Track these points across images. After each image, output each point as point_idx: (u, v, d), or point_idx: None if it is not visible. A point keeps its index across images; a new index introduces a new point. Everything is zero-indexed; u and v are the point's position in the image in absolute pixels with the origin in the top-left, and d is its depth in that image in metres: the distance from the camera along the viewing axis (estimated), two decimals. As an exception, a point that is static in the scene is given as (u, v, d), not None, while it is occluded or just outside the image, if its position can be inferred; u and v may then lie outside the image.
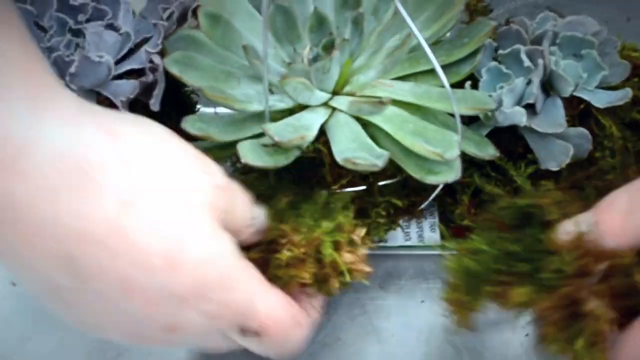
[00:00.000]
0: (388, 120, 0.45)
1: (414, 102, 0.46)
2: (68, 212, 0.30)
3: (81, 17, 0.49)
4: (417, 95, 0.46)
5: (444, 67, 0.48)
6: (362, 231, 0.42)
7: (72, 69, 0.45)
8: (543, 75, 0.44)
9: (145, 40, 0.51)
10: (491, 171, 0.47)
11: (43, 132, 0.29)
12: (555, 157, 0.43)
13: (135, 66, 0.49)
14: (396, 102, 0.47)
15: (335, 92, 0.47)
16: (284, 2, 0.48)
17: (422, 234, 0.52)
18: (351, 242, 0.41)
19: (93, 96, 0.49)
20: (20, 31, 0.31)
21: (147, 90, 0.46)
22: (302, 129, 0.43)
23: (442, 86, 0.42)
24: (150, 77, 0.45)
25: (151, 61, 0.46)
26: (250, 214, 0.38)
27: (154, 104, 0.45)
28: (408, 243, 0.52)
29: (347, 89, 0.47)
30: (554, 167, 0.43)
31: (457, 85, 0.48)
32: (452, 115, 0.44)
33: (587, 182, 0.45)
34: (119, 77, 0.49)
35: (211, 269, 0.33)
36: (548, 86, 0.45)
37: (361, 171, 0.43)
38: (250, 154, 0.42)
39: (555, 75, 0.44)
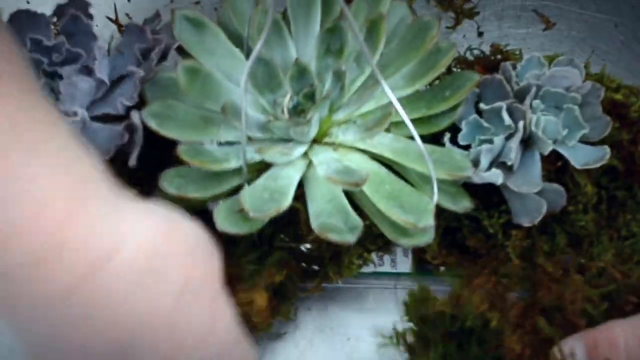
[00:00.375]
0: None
1: (392, 159, 0.46)
2: (135, 308, 0.32)
3: (56, 57, 0.48)
4: (395, 151, 0.46)
5: (423, 118, 0.48)
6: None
7: None
8: (523, 135, 0.44)
9: (121, 78, 0.50)
10: (464, 219, 0.47)
11: (115, 237, 0.32)
12: (529, 213, 0.44)
13: (110, 111, 0.48)
14: (374, 155, 0.47)
15: (314, 141, 0.47)
16: (267, 51, 0.47)
17: (395, 259, 0.53)
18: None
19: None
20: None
21: (125, 145, 0.46)
22: (277, 195, 0.43)
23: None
24: (126, 137, 0.45)
25: (127, 116, 0.45)
26: None
27: (132, 162, 0.45)
28: (380, 269, 0.53)
29: (326, 139, 0.47)
30: (527, 223, 0.44)
31: (437, 134, 0.48)
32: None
33: (558, 228, 0.46)
34: (93, 118, 0.48)
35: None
36: (527, 142, 0.45)
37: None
38: (226, 222, 0.42)
39: (535, 136, 0.44)
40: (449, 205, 0.45)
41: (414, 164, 0.45)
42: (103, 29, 0.61)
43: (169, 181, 0.44)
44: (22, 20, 0.50)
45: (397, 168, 0.47)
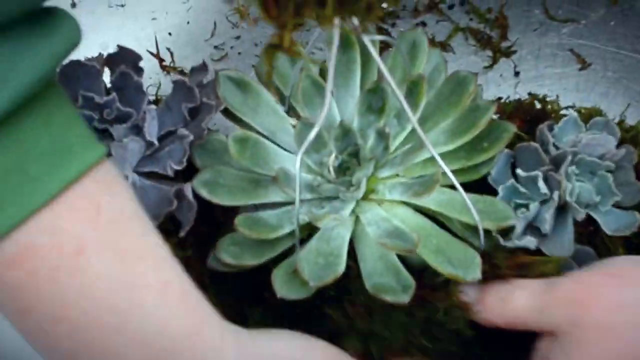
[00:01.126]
0: (413, 232, 0.48)
1: (438, 211, 0.49)
2: None
3: (107, 114, 0.50)
4: (441, 203, 0.49)
5: (463, 168, 0.50)
6: None
7: None
8: (557, 203, 0.46)
9: (168, 134, 0.52)
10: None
11: None
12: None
13: (158, 171, 0.50)
14: (418, 208, 0.49)
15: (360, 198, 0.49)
16: (310, 112, 0.49)
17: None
18: None
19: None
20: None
21: (174, 211, 0.48)
22: (332, 258, 0.46)
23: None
24: (175, 204, 0.47)
25: (175, 178, 0.48)
26: None
27: (182, 233, 0.48)
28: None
29: (372, 196, 0.50)
30: (559, 285, 0.47)
31: (474, 184, 0.50)
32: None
33: None
34: (141, 174, 0.50)
35: None
36: (561, 208, 0.48)
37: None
38: (285, 289, 0.45)
39: (569, 203, 0.46)
40: (491, 249, 0.48)
41: (460, 215, 0.48)
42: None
43: (225, 250, 0.46)
44: (74, 72, 0.51)
45: (442, 218, 0.50)
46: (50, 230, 0.32)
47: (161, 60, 0.63)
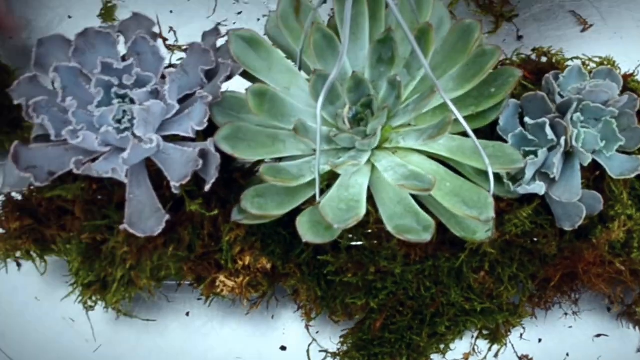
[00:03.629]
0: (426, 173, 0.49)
1: (449, 157, 0.51)
2: None
3: (126, 79, 0.50)
4: (451, 150, 0.50)
5: (473, 115, 0.52)
6: None
7: (125, 155, 0.47)
8: (564, 148, 0.48)
9: (187, 97, 0.52)
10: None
11: None
12: (570, 218, 0.49)
13: (180, 133, 0.50)
14: (431, 155, 0.51)
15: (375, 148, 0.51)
16: (322, 66, 0.50)
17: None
18: None
19: (142, 165, 0.51)
20: None
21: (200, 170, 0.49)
22: (353, 203, 0.48)
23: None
24: (200, 163, 0.48)
25: (196, 139, 0.48)
26: None
27: (207, 188, 0.48)
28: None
29: (386, 144, 0.51)
30: (568, 228, 0.50)
31: (483, 131, 0.52)
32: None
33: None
34: (164, 138, 0.51)
35: None
36: (568, 154, 0.50)
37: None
38: (310, 233, 0.47)
39: (575, 149, 0.48)
40: (502, 194, 0.51)
41: (470, 161, 0.49)
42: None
43: (250, 202, 0.48)
44: (91, 40, 0.52)
45: (453, 164, 0.51)
46: None
47: (164, 40, 0.63)
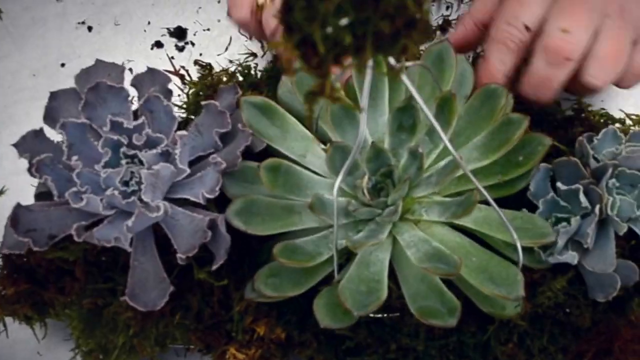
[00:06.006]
0: (453, 252, 0.46)
1: (475, 229, 0.48)
2: None
3: (136, 139, 0.49)
4: (477, 221, 0.48)
5: (499, 184, 0.49)
6: None
7: (130, 223, 0.45)
8: (599, 217, 0.45)
9: (200, 159, 0.51)
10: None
11: None
12: (604, 288, 0.47)
13: (189, 197, 0.49)
14: (456, 226, 0.48)
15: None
16: (340, 136, 0.48)
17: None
18: None
19: (149, 230, 0.50)
20: None
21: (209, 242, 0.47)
22: (374, 284, 0.45)
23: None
24: (209, 235, 0.46)
25: (212, 221, 0.47)
26: None
27: (215, 266, 0.47)
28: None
29: (408, 216, 0.49)
30: (601, 299, 0.47)
31: (512, 197, 0.50)
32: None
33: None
34: (172, 201, 0.49)
35: None
36: (602, 221, 0.47)
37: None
38: (327, 318, 0.45)
39: (610, 217, 0.45)
40: (533, 264, 0.48)
41: (498, 233, 0.47)
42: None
43: (264, 282, 0.46)
44: (102, 94, 0.51)
45: (480, 235, 0.49)
46: None
47: (182, 77, 0.62)
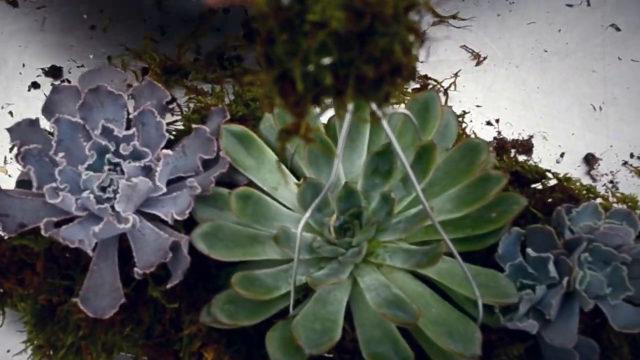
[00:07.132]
0: (412, 301, 0.45)
1: (438, 280, 0.47)
2: None
3: (123, 149, 0.49)
4: (440, 273, 0.47)
5: (468, 237, 0.49)
6: None
7: (97, 229, 0.45)
8: (566, 290, 0.45)
9: (177, 179, 0.50)
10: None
11: None
12: (559, 364, 0.46)
13: (160, 215, 0.48)
14: (418, 274, 0.48)
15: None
16: (315, 173, 0.47)
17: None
18: None
19: (115, 238, 0.49)
20: None
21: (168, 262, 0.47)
22: (329, 324, 0.45)
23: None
24: (169, 256, 0.46)
25: (176, 242, 0.46)
26: None
27: (169, 285, 0.46)
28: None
29: (371, 258, 0.48)
30: (557, 373, 0.46)
31: (479, 253, 0.49)
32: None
33: None
34: (142, 214, 0.49)
35: None
36: (569, 294, 0.46)
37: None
38: (278, 352, 0.44)
39: (577, 292, 0.45)
40: (492, 324, 0.47)
41: (460, 287, 0.46)
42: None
43: (220, 308, 0.45)
44: (100, 98, 0.51)
45: (442, 287, 0.48)
46: None
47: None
